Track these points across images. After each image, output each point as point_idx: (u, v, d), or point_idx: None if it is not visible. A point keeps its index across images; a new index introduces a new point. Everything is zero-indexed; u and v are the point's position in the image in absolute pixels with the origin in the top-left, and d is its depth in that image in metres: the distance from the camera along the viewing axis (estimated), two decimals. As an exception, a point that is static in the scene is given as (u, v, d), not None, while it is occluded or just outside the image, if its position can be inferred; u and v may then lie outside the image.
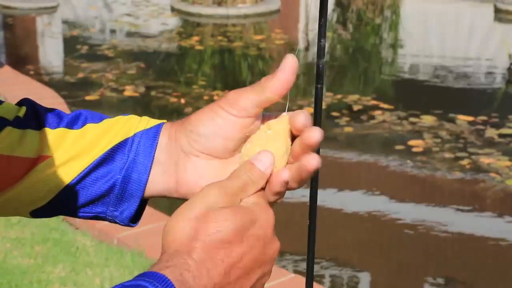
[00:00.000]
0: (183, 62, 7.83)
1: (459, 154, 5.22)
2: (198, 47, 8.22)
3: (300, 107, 6.27)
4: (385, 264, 4.07)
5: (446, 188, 4.88)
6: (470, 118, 5.89)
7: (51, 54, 8.52)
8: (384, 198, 4.79)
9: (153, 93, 6.60)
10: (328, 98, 6.41)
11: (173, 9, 10.11)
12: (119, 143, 0.80)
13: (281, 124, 0.73)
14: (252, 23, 9.56)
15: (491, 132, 5.61)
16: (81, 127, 0.81)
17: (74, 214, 0.82)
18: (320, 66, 0.70)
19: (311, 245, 0.78)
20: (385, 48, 9.05)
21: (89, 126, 0.81)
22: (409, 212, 4.54)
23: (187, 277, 0.63)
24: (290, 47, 8.43)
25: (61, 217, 3.85)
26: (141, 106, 6.49)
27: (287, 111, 0.75)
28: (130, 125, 0.81)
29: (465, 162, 5.10)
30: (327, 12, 0.68)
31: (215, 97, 6.45)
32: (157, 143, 0.79)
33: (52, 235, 3.63)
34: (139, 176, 0.79)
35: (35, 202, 0.80)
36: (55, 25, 9.73)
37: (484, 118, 5.90)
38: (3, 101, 0.83)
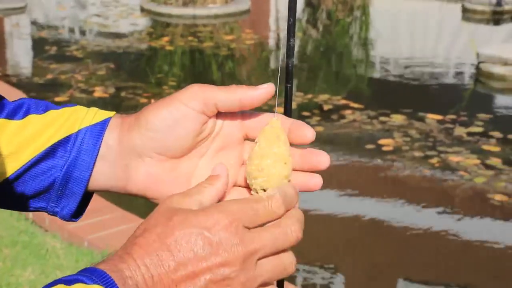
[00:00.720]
0: (154, 63, 7.80)
1: (429, 153, 5.27)
2: (169, 48, 8.19)
3: (271, 107, 6.27)
4: (357, 263, 4.10)
5: (415, 187, 4.92)
6: (439, 117, 5.95)
7: (19, 55, 8.44)
8: (355, 197, 4.82)
9: (123, 93, 6.56)
10: (298, 98, 6.43)
11: (142, 10, 10.06)
12: (62, 139, 0.76)
13: (274, 130, 0.71)
14: (223, 23, 9.55)
15: (459, 131, 5.68)
16: (23, 118, 0.77)
17: (13, 208, 0.80)
18: (290, 65, 0.71)
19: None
20: (355, 48, 9.10)
21: (31, 118, 0.77)
22: (379, 210, 4.57)
23: (122, 268, 0.62)
24: (261, 47, 8.44)
25: (31, 219, 3.81)
26: (111, 107, 6.45)
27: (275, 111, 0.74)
28: (75, 118, 0.77)
29: (434, 160, 5.14)
30: (295, 12, 0.68)
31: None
32: (102, 140, 0.76)
33: (21, 237, 3.59)
34: (81, 174, 0.76)
35: None
36: (23, 26, 9.63)
37: (453, 116, 5.96)
38: None
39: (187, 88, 0.73)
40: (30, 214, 3.85)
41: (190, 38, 8.62)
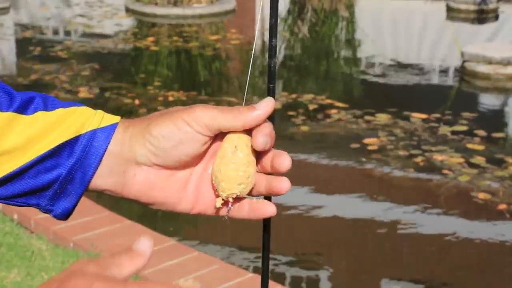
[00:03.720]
0: (139, 63, 7.78)
1: (413, 152, 5.29)
2: (154, 48, 8.18)
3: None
4: (343, 263, 4.11)
5: (400, 185, 4.94)
6: (424, 116, 5.97)
7: (3, 55, 8.39)
8: (340, 196, 4.83)
9: (107, 94, 6.54)
10: (283, 97, 6.43)
11: (127, 10, 10.04)
12: (69, 140, 0.77)
13: (243, 138, 0.73)
14: (208, 23, 9.55)
15: (444, 130, 5.70)
16: (33, 113, 0.77)
17: (5, 202, 0.79)
18: (272, 65, 0.71)
19: (266, 244, 0.79)
20: (340, 47, 9.12)
21: (40, 114, 0.77)
22: (364, 209, 4.58)
23: None
24: (246, 47, 8.44)
25: (16, 221, 3.80)
26: (95, 108, 6.43)
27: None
28: (83, 119, 0.78)
29: (419, 159, 5.17)
30: (277, 12, 0.68)
31: (170, 98, 6.42)
32: (108, 146, 0.77)
33: (7, 239, 3.57)
34: (84, 175, 0.77)
35: None
36: (7, 26, 9.58)
37: (437, 115, 5.99)
38: None
39: (191, 109, 0.74)
40: (15, 216, 3.83)
41: (175, 38, 8.60)
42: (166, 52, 8.10)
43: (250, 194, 0.76)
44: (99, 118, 0.78)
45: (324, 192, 4.87)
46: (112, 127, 0.78)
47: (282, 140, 5.53)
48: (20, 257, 3.42)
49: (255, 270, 3.67)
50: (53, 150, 0.76)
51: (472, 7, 9.95)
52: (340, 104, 6.24)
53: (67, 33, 9.19)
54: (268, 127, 0.73)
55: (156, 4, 9.88)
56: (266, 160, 0.75)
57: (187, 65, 7.93)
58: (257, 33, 8.40)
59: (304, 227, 4.41)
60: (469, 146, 5.38)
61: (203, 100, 6.33)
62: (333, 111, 6.11)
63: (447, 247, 4.21)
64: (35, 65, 7.37)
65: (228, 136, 0.74)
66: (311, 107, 6.22)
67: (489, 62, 7.06)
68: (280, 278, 3.80)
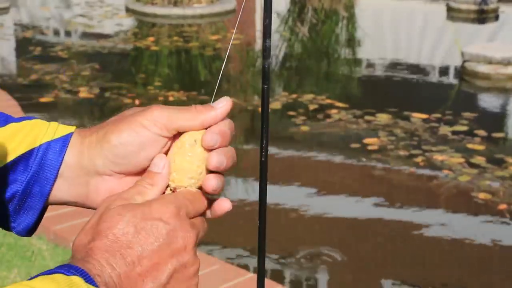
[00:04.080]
0: (139, 63, 7.78)
1: (413, 152, 5.29)
2: (154, 48, 8.18)
3: (256, 107, 6.28)
4: (343, 262, 4.11)
5: (400, 186, 4.94)
6: (424, 116, 5.97)
7: (3, 56, 8.39)
8: (340, 196, 4.83)
9: (107, 94, 6.55)
10: (283, 97, 6.43)
11: (128, 10, 10.04)
12: (23, 153, 0.74)
13: (203, 133, 0.73)
14: (208, 23, 9.55)
15: (444, 130, 5.70)
16: None
17: None
18: (266, 66, 0.71)
19: (261, 245, 0.79)
20: (341, 47, 9.12)
21: None
22: (364, 209, 4.58)
23: (90, 267, 0.64)
24: (247, 47, 8.44)
25: (15, 221, 3.80)
26: (95, 108, 6.44)
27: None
28: (36, 133, 0.75)
29: (419, 159, 5.16)
30: (271, 12, 0.68)
31: (170, 98, 6.43)
32: (64, 157, 0.75)
33: (7, 239, 3.58)
34: (42, 189, 0.75)
35: None
36: (7, 26, 9.58)
37: (438, 115, 5.99)
38: None
39: (148, 110, 0.73)
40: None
41: (175, 38, 8.60)
42: (166, 52, 8.10)
43: None
44: (52, 130, 0.76)
45: (324, 192, 4.87)
46: (67, 138, 0.75)
47: (282, 140, 5.53)
48: (20, 257, 3.42)
49: (255, 270, 3.67)
50: (8, 165, 0.74)
51: (473, 7, 9.95)
52: (340, 104, 6.24)
53: (68, 33, 9.20)
54: (222, 126, 0.72)
55: (152, 3, 9.88)
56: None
57: (187, 65, 7.93)
58: (257, 33, 8.39)
59: (304, 227, 4.41)
60: (470, 146, 5.37)
61: (203, 100, 6.33)
62: (333, 111, 6.11)
63: (447, 247, 4.21)
64: (35, 65, 7.37)
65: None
66: (311, 107, 6.22)
67: (490, 62, 7.06)
68: (279, 278, 3.80)
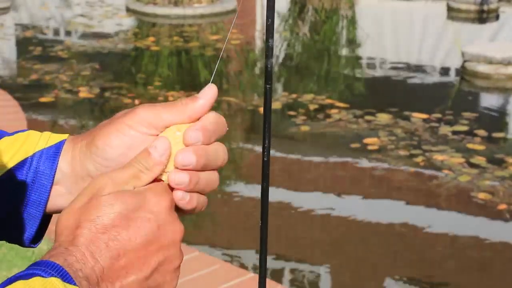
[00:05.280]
0: (139, 63, 7.78)
1: (414, 152, 5.29)
2: (154, 48, 8.18)
3: (256, 107, 6.29)
4: (344, 262, 4.11)
5: (400, 185, 4.94)
6: (425, 116, 5.97)
7: (3, 55, 8.39)
8: (340, 196, 4.83)
9: (107, 94, 6.55)
10: (283, 97, 6.43)
11: (128, 9, 10.04)
12: (17, 163, 0.75)
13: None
14: (208, 23, 9.55)
15: (444, 130, 5.70)
16: None
17: None
18: (269, 66, 0.71)
19: (263, 245, 0.79)
20: (341, 47, 9.12)
21: None
22: (364, 209, 4.58)
23: (72, 261, 0.63)
24: (247, 47, 8.44)
25: (16, 221, 3.80)
26: (96, 107, 6.44)
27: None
28: (29, 143, 0.76)
29: (419, 159, 5.16)
30: (274, 13, 0.68)
31: (170, 98, 6.42)
32: (57, 164, 0.75)
33: (7, 239, 3.58)
34: (39, 197, 0.75)
35: None
36: (7, 26, 9.58)
37: (438, 115, 5.99)
38: None
39: (133, 111, 0.72)
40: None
41: (175, 38, 8.60)
42: (167, 52, 8.10)
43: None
44: (45, 139, 0.76)
45: (325, 191, 4.87)
46: (60, 145, 0.76)
47: (283, 140, 5.53)
48: (21, 257, 3.42)
49: (255, 269, 3.67)
50: (3, 178, 0.75)
51: (473, 7, 9.94)
52: (341, 104, 6.24)
53: (68, 33, 9.20)
54: (205, 121, 0.71)
55: (153, 3, 9.89)
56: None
57: (187, 65, 7.93)
58: (257, 33, 8.40)
59: (304, 227, 4.41)
60: (470, 146, 5.37)
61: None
62: (334, 111, 6.11)
63: (447, 247, 4.21)
64: (35, 65, 7.37)
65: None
66: (312, 107, 6.22)
67: (490, 62, 7.05)
68: (280, 278, 3.80)
